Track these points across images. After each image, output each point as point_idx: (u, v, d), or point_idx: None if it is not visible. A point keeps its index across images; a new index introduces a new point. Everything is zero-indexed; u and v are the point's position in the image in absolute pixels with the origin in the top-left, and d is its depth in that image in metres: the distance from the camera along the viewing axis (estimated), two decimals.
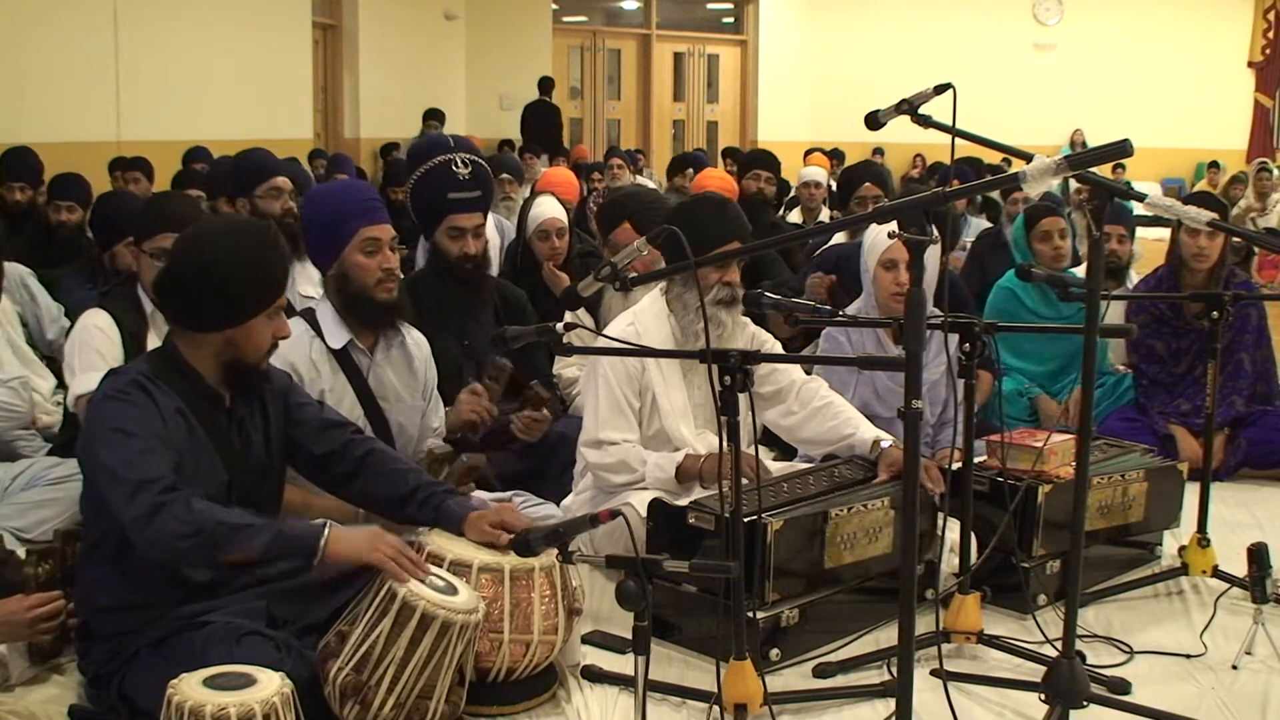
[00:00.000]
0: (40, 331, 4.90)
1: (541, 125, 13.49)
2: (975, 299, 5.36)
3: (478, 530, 2.78)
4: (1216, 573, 3.53)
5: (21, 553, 3.04)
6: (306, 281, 4.84)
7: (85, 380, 3.43)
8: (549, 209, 5.11)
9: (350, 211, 3.33)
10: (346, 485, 2.92)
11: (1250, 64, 18.45)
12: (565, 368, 4.59)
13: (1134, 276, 5.62)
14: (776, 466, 3.68)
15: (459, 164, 3.84)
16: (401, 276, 3.46)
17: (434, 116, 12.77)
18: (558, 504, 3.71)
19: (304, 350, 3.30)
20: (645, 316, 3.59)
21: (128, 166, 7.66)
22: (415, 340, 3.54)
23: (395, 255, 3.38)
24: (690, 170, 8.69)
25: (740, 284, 3.52)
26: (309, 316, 3.39)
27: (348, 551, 2.53)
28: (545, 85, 14.29)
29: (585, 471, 3.64)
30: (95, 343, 3.61)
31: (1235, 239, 6.13)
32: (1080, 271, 5.21)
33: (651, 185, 9.31)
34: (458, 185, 3.83)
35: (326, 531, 2.53)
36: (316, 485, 3.02)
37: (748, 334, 3.64)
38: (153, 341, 3.59)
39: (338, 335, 3.35)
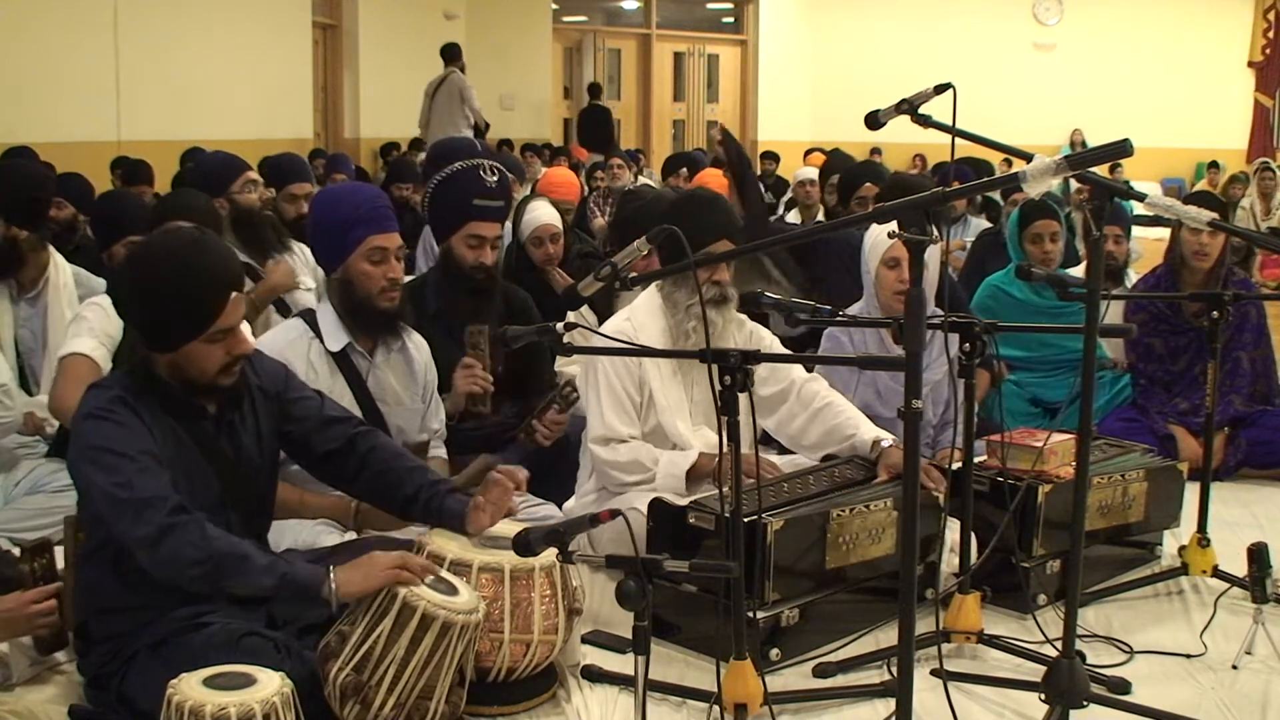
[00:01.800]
0: None
1: (595, 127, 13.94)
2: None
3: (476, 520, 2.76)
4: (1216, 573, 3.52)
5: (16, 551, 3.04)
6: None
7: (73, 344, 3.58)
8: (542, 215, 5.04)
9: (359, 218, 3.29)
10: (350, 482, 2.92)
11: (1250, 64, 18.45)
12: (566, 367, 4.58)
13: (1133, 275, 5.62)
14: (784, 462, 3.66)
15: (486, 171, 3.78)
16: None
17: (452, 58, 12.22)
18: (560, 506, 3.71)
19: (303, 351, 3.29)
20: (640, 313, 3.58)
21: (131, 179, 7.51)
22: (415, 343, 3.53)
23: (400, 264, 3.36)
24: (685, 170, 8.69)
25: (731, 283, 3.51)
26: (309, 318, 3.39)
27: (358, 590, 2.49)
28: (595, 90, 14.76)
29: (590, 474, 3.63)
30: (94, 318, 3.64)
31: (1235, 239, 6.12)
32: (1079, 271, 5.21)
33: (652, 185, 9.31)
34: (484, 192, 3.74)
35: (331, 579, 2.47)
36: (319, 480, 3.01)
37: (745, 331, 3.63)
38: None
39: (337, 338, 3.34)
